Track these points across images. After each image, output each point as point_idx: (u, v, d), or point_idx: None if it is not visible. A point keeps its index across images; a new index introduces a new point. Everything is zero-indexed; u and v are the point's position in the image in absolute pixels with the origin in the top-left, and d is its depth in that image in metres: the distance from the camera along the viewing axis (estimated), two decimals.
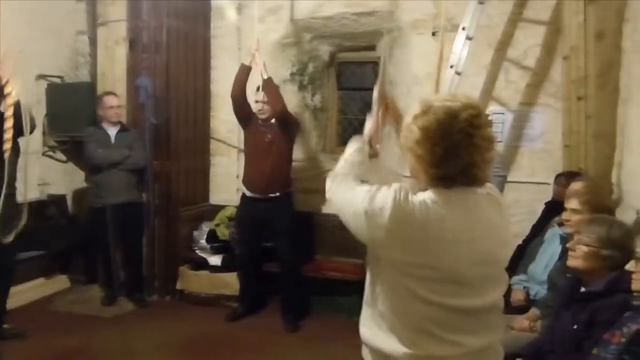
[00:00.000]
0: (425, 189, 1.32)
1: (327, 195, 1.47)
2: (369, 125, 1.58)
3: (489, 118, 1.33)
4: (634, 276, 1.78)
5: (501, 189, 3.24)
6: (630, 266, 1.82)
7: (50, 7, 4.42)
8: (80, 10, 4.67)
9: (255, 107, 3.85)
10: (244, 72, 3.80)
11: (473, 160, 1.27)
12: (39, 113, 4.39)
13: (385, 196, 1.26)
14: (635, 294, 1.77)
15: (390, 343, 1.33)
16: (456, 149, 1.26)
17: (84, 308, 4.09)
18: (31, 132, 3.19)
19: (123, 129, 4.14)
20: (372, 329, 1.39)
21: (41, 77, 4.45)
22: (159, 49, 4.20)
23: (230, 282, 4.17)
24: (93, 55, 4.59)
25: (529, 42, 3.74)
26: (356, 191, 1.34)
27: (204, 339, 3.67)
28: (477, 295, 1.31)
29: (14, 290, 3.66)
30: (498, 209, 1.38)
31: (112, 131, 4.09)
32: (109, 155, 3.99)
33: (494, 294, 1.35)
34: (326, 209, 4.36)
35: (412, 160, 1.34)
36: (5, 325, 3.51)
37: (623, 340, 1.68)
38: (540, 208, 3.60)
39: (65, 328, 3.72)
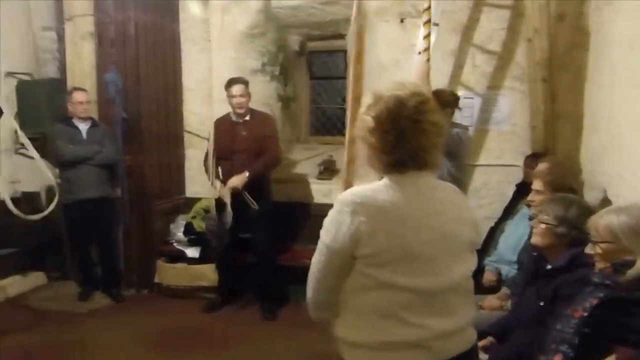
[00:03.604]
0: (380, 177, 1.38)
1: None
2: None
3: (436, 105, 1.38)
4: (596, 258, 1.83)
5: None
6: (587, 249, 1.86)
7: (16, 4, 4.36)
8: (46, 6, 4.60)
9: (232, 102, 3.82)
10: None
11: (421, 145, 1.33)
12: (9, 111, 4.34)
13: (333, 218, 1.33)
14: (595, 270, 1.82)
15: (358, 332, 1.36)
16: (405, 135, 1.32)
17: (60, 304, 4.09)
18: None
19: (94, 125, 4.12)
20: (339, 320, 1.42)
21: (10, 74, 4.39)
22: (127, 43, 4.17)
23: (208, 274, 4.18)
24: (61, 51, 4.54)
25: (493, 26, 3.77)
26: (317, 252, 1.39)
27: (181, 331, 3.68)
28: (441, 272, 1.34)
29: None
30: (451, 190, 1.44)
31: (83, 127, 4.07)
32: (79, 151, 3.97)
33: (458, 271, 1.38)
34: (305, 198, 4.40)
35: (366, 148, 1.39)
36: None
37: (585, 314, 1.72)
38: (510, 190, 3.66)
39: (42, 324, 3.72)
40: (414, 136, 1.31)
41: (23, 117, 4.43)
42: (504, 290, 2.90)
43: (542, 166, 2.79)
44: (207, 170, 3.94)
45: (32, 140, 4.53)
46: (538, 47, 3.32)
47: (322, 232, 1.37)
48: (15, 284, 4.30)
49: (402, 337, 1.32)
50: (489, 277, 3.10)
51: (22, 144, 4.51)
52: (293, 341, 3.52)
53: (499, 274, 3.09)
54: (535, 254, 2.30)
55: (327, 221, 1.36)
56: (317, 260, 1.40)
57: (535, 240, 2.21)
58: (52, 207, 3.77)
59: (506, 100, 3.84)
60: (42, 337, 3.52)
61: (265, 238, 3.92)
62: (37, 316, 3.89)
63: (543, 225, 2.16)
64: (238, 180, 3.72)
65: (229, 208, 3.77)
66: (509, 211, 3.42)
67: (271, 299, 3.96)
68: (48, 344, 3.44)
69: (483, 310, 2.81)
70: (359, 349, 1.37)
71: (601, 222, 1.75)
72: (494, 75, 3.84)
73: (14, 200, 4.36)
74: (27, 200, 4.48)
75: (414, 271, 1.31)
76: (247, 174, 3.73)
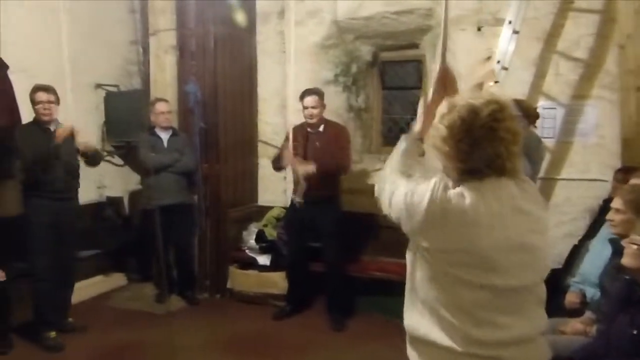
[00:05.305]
0: (457, 185, 1.37)
1: (376, 193, 1.56)
2: (420, 118, 1.65)
3: (514, 113, 1.38)
4: None
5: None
6: None
7: (105, 19, 4.68)
8: (132, 21, 4.91)
9: (304, 113, 3.87)
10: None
11: (498, 152, 1.32)
12: (98, 120, 4.65)
13: (423, 189, 1.35)
14: None
15: (433, 329, 1.38)
16: (480, 143, 1.32)
17: (139, 305, 4.29)
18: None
19: (175, 134, 4.29)
20: (414, 317, 1.43)
21: (99, 86, 4.70)
22: (206, 56, 4.33)
23: (278, 282, 4.23)
24: (145, 63, 4.80)
25: (579, 32, 3.58)
26: (399, 185, 1.43)
27: (251, 337, 3.76)
28: (513, 278, 1.34)
29: (76, 286, 3.88)
30: (533, 198, 1.41)
31: (165, 136, 4.25)
32: (161, 159, 4.13)
33: (531, 278, 1.38)
34: (375, 209, 4.35)
35: (441, 157, 1.40)
36: (69, 319, 3.75)
37: None
38: (595, 206, 3.46)
39: (122, 323, 3.93)
40: (490, 144, 1.32)
41: (110, 126, 4.73)
42: (588, 314, 2.71)
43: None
44: (276, 167, 4.00)
45: (118, 148, 4.87)
46: (631, 54, 3.10)
47: (415, 190, 1.37)
48: (98, 284, 4.56)
49: (476, 334, 1.32)
50: (572, 298, 2.91)
51: (108, 152, 4.85)
52: (361, 352, 3.50)
53: (583, 296, 2.90)
54: (627, 277, 2.14)
55: (423, 188, 1.35)
56: (404, 195, 1.38)
57: (625, 261, 2.06)
58: None
59: (593, 111, 3.62)
60: (121, 336, 3.71)
61: (334, 248, 3.92)
62: (119, 315, 4.11)
63: (634, 246, 2.01)
64: (305, 166, 3.74)
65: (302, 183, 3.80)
66: (595, 229, 3.20)
67: (340, 309, 3.95)
68: (126, 342, 3.62)
69: (565, 335, 2.64)
70: (431, 347, 1.38)
71: None
72: (580, 84, 3.63)
73: (100, 204, 4.70)
74: (112, 205, 4.77)
75: (485, 276, 1.32)
76: (313, 166, 3.74)
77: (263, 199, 4.85)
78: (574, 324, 2.66)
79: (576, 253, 3.23)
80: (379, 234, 4.26)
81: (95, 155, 3.70)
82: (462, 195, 1.32)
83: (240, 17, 4.39)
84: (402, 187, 1.41)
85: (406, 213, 1.36)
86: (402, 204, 1.37)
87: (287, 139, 3.88)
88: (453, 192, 1.33)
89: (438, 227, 1.32)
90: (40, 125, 3.50)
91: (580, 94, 3.64)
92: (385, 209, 1.49)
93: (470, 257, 1.31)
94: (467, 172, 1.35)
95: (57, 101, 3.53)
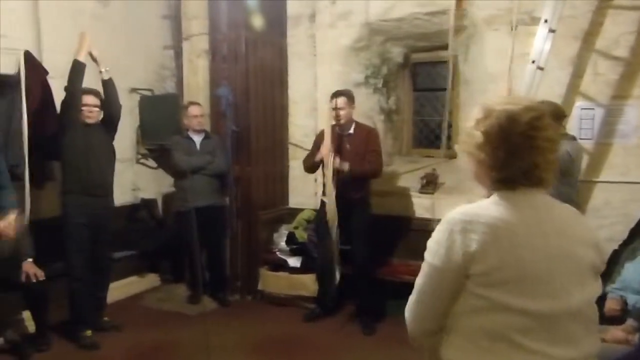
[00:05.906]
0: (489, 195, 1.33)
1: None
2: None
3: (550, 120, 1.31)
4: None
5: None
6: None
7: (139, 25, 4.78)
8: (165, 27, 5.00)
9: (333, 115, 3.85)
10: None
11: (536, 162, 1.27)
12: (132, 124, 4.76)
13: (438, 239, 1.28)
14: None
15: (469, 355, 1.30)
16: (518, 152, 1.27)
17: (172, 305, 4.36)
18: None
19: (207, 137, 4.35)
20: (447, 342, 1.36)
21: (133, 90, 4.81)
22: (238, 59, 4.37)
23: (308, 284, 4.23)
24: (178, 68, 4.88)
25: (619, 30, 3.47)
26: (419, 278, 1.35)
27: (281, 339, 3.77)
28: (559, 294, 1.25)
29: (111, 286, 3.97)
30: (572, 209, 1.35)
31: (197, 139, 4.31)
32: (193, 162, 4.19)
33: (579, 295, 1.27)
34: (405, 212, 4.31)
35: (474, 164, 1.35)
36: (105, 318, 3.84)
37: None
38: (637, 210, 3.33)
39: (155, 323, 4.00)
40: (528, 153, 1.26)
41: (144, 129, 4.83)
42: (630, 321, 2.62)
43: None
44: (308, 165, 3.99)
45: (152, 151, 4.96)
46: None
47: (427, 255, 1.32)
48: (132, 285, 4.66)
49: None
50: (612, 305, 2.82)
51: (143, 154, 4.95)
52: (390, 356, 3.47)
53: (625, 303, 2.80)
54: None
55: (432, 242, 1.31)
56: (423, 284, 1.34)
57: None
58: None
59: (635, 111, 3.50)
60: (154, 336, 3.77)
61: (364, 250, 3.90)
62: (152, 315, 4.19)
63: None
64: (340, 163, 3.73)
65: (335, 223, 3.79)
66: (637, 233, 3.10)
67: (370, 313, 3.92)
68: (160, 342, 3.68)
69: (605, 342, 2.56)
70: None
71: None
72: (620, 84, 3.51)
73: (134, 206, 4.81)
74: (146, 207, 4.87)
75: (529, 293, 1.23)
76: (348, 164, 3.74)
77: (294, 201, 4.87)
78: (615, 332, 2.58)
79: (616, 258, 3.14)
80: (408, 236, 4.22)
81: (111, 81, 3.63)
82: (490, 207, 1.27)
83: (257, 21, 4.42)
84: (421, 272, 1.33)
85: (440, 267, 1.27)
86: (428, 268, 1.29)
87: (317, 139, 3.88)
88: (477, 208, 1.28)
89: (473, 257, 1.23)
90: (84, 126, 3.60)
91: (620, 94, 3.54)
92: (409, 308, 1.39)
93: (510, 272, 1.23)
94: (501, 181, 1.30)
95: (102, 105, 3.63)
